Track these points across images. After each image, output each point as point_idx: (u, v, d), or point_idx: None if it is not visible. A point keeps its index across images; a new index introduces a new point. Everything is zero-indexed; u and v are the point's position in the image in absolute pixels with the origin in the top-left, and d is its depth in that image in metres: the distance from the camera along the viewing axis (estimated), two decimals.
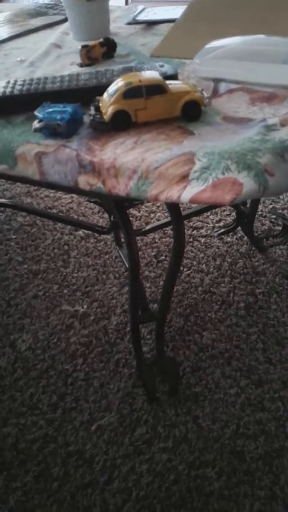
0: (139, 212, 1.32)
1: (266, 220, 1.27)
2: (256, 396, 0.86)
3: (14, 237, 1.28)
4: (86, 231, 1.26)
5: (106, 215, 1.31)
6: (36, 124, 0.55)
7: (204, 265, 1.14)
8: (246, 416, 0.83)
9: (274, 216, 1.27)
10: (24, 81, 0.63)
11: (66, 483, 0.76)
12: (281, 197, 1.35)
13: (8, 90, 0.61)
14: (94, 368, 0.92)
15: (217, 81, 0.64)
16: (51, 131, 0.55)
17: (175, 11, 0.95)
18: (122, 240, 1.12)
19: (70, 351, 0.96)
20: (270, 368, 0.90)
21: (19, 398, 0.88)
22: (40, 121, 0.55)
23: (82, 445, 0.81)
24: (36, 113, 0.56)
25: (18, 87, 0.61)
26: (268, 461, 0.77)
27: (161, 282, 1.10)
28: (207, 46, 0.67)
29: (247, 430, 0.81)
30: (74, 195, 1.41)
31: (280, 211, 1.30)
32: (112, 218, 1.04)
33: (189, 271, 1.12)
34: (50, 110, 0.55)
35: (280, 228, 1.23)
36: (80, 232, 1.27)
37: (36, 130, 0.55)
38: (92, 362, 0.93)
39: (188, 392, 0.87)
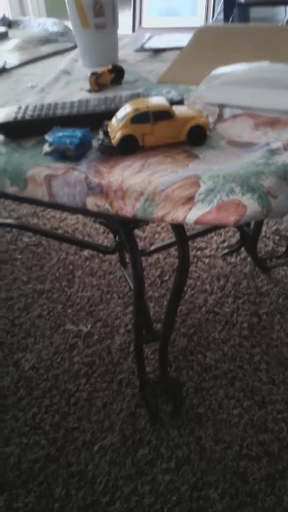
0: (143, 232, 1.34)
1: (269, 241, 1.28)
2: (260, 417, 0.85)
3: (20, 257, 1.29)
4: (91, 251, 1.28)
5: (111, 236, 1.32)
6: (46, 147, 0.57)
7: (208, 285, 1.15)
8: (249, 437, 0.83)
9: (277, 237, 1.29)
10: (35, 106, 0.65)
11: (67, 503, 0.76)
12: (284, 218, 1.36)
13: (20, 115, 0.63)
14: (97, 388, 0.93)
15: (222, 106, 0.66)
16: (60, 154, 0.57)
17: (181, 39, 0.98)
18: (127, 260, 1.13)
19: (73, 371, 0.96)
20: (273, 389, 0.90)
21: (22, 417, 0.88)
22: (51, 145, 0.57)
23: (84, 465, 0.80)
24: (46, 137, 0.58)
25: (29, 113, 0.63)
26: (271, 483, 0.76)
27: (165, 302, 1.10)
28: (212, 72, 0.69)
29: (250, 451, 0.81)
30: (80, 216, 1.43)
31: (283, 232, 1.31)
32: (117, 239, 1.05)
33: (193, 291, 1.13)
34: (60, 134, 0.57)
35: (284, 249, 1.24)
36: (85, 252, 1.28)
37: (47, 153, 0.57)
38: (95, 382, 0.94)
39: (191, 412, 0.87)
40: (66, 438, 0.84)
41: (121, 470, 0.79)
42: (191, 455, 0.81)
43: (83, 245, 1.24)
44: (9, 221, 1.40)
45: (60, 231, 1.39)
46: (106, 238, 1.34)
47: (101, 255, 1.26)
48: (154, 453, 0.81)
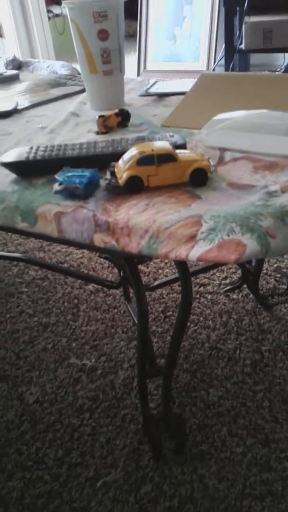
0: (147, 268, 1.36)
1: (271, 278, 1.29)
2: (263, 456, 0.85)
3: (26, 290, 1.31)
4: (95, 286, 1.30)
5: (115, 270, 1.35)
6: (56, 186, 0.60)
7: (210, 321, 1.16)
8: (253, 475, 0.82)
9: (279, 275, 1.30)
10: (46, 147, 0.69)
11: None
12: (285, 256, 1.38)
13: (31, 155, 0.66)
14: (101, 423, 0.93)
15: (222, 150, 0.69)
16: (70, 193, 0.60)
17: (185, 85, 1.03)
18: (131, 295, 1.15)
19: (77, 405, 0.96)
20: (276, 427, 0.90)
21: (25, 451, 0.88)
22: (60, 184, 0.60)
23: (87, 502, 0.80)
24: (56, 176, 0.61)
25: (40, 153, 0.67)
26: None
27: (168, 337, 1.11)
28: (214, 118, 0.73)
29: (253, 490, 0.80)
30: (85, 251, 1.45)
31: (284, 270, 1.33)
32: (121, 274, 1.07)
33: (195, 327, 1.14)
34: (70, 174, 0.60)
35: (285, 286, 1.26)
36: (90, 287, 1.30)
37: (57, 192, 0.60)
38: (99, 417, 0.94)
39: (195, 450, 0.87)
40: (69, 473, 0.84)
41: (124, 507, 0.79)
42: (194, 493, 0.80)
43: (88, 279, 1.26)
44: (16, 255, 1.43)
45: (65, 265, 1.41)
46: (110, 273, 1.36)
47: (105, 289, 1.28)
48: (157, 490, 0.81)
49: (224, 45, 2.28)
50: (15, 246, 1.52)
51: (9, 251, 1.50)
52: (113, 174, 0.61)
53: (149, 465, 0.84)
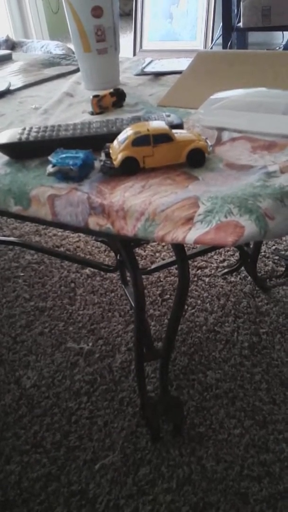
0: (144, 251, 1.35)
1: (269, 261, 1.29)
2: (261, 437, 0.85)
3: (22, 274, 1.30)
4: (92, 270, 1.29)
5: (112, 254, 1.34)
6: (50, 168, 0.59)
7: (208, 304, 1.15)
8: (250, 457, 0.82)
9: (277, 257, 1.30)
10: (39, 128, 0.67)
11: None
12: (283, 238, 1.37)
13: (24, 136, 0.64)
14: (98, 406, 0.93)
15: (220, 130, 0.67)
16: (64, 175, 0.58)
17: (181, 64, 1.00)
18: (128, 278, 1.14)
19: (74, 389, 0.96)
20: (274, 409, 0.90)
21: (23, 435, 0.88)
22: (54, 165, 0.59)
23: (85, 484, 0.80)
24: (50, 158, 0.59)
25: (33, 134, 0.65)
26: (273, 503, 0.76)
27: (166, 321, 1.11)
28: (211, 97, 0.71)
29: (251, 472, 0.80)
30: (81, 234, 1.44)
31: (282, 252, 1.32)
32: (118, 257, 1.06)
33: (193, 310, 1.14)
34: (63, 155, 0.59)
35: (283, 269, 1.25)
36: (87, 270, 1.29)
37: (50, 174, 0.59)
38: (96, 400, 0.94)
39: (192, 432, 0.87)
40: (67, 456, 0.84)
41: (122, 489, 0.79)
42: (192, 475, 0.80)
43: (84, 263, 1.25)
44: (11, 238, 1.42)
45: (61, 249, 1.40)
46: (107, 256, 1.35)
47: (102, 273, 1.27)
48: (155, 472, 0.81)
49: (221, 24, 2.23)
50: (11, 230, 1.51)
51: (4, 235, 1.49)
52: (107, 155, 0.59)
53: (147, 448, 0.85)
